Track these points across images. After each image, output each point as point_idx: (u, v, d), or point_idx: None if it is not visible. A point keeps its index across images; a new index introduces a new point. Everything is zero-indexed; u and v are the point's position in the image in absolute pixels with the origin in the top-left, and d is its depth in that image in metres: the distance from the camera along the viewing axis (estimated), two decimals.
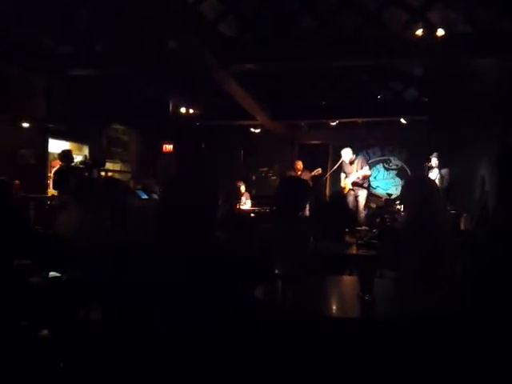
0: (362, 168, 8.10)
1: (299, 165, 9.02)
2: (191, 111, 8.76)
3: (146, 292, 1.71)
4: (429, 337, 1.62)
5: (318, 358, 1.93)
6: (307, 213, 4.89)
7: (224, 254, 1.89)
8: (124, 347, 1.67)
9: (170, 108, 8.70)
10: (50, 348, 2.60)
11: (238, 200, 8.30)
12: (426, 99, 8.44)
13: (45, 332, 2.73)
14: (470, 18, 4.86)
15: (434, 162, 7.85)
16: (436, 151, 7.96)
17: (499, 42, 4.78)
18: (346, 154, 8.22)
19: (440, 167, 7.85)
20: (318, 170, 8.93)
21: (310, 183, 8.75)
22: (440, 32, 4.97)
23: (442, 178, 7.70)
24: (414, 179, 3.54)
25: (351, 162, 8.19)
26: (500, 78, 6.16)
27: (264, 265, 2.06)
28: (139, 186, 8.10)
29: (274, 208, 3.05)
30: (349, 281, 2.69)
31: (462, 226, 6.29)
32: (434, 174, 7.64)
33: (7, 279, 2.48)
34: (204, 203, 1.82)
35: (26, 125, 6.79)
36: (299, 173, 8.78)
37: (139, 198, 7.18)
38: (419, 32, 5.15)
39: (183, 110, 8.66)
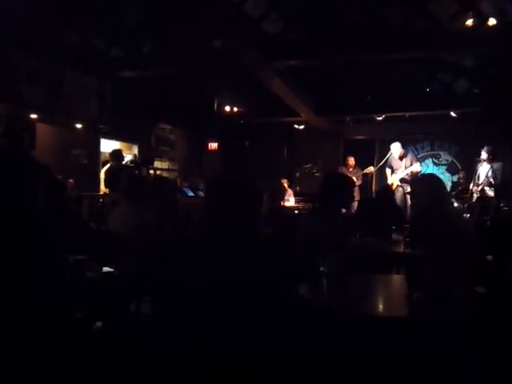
0: (411, 164, 7.84)
1: (351, 161, 8.77)
2: (235, 109, 8.85)
3: (195, 289, 1.75)
4: (476, 339, 1.58)
5: (364, 357, 1.91)
6: (354, 209, 4.84)
7: (270, 251, 1.91)
8: (172, 343, 1.73)
9: (215, 107, 8.83)
10: (103, 338, 2.73)
11: (282, 197, 8.30)
12: (478, 91, 8.11)
13: (98, 324, 2.86)
14: None
15: (485, 155, 7.42)
16: (487, 145, 7.56)
17: None
18: (396, 148, 7.96)
19: (492, 161, 7.43)
20: (370, 169, 8.65)
21: (361, 181, 8.60)
22: (492, 21, 4.78)
23: (494, 172, 7.31)
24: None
25: (401, 158, 7.93)
26: None
27: (309, 262, 2.07)
28: (186, 184, 8.28)
29: (317, 205, 3.04)
30: (396, 279, 2.65)
31: None
32: (485, 169, 7.27)
33: (65, 273, 2.61)
34: (249, 202, 1.85)
35: (78, 126, 7.09)
36: (351, 169, 8.59)
37: (186, 195, 7.33)
38: (469, 22, 4.97)
39: (228, 108, 8.77)
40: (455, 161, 9.84)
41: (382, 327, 1.88)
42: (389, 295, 2.39)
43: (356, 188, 8.44)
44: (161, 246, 2.79)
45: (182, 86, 7.95)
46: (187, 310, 1.75)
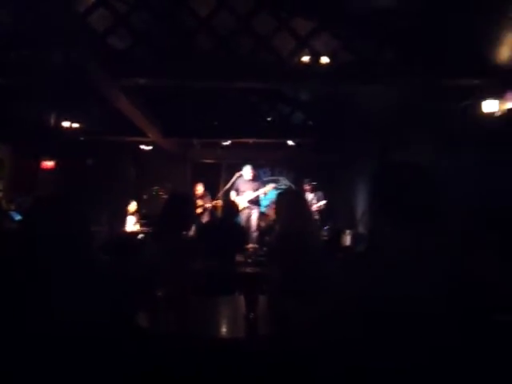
0: (259, 188, 8.23)
1: (198, 189, 8.58)
2: (76, 125, 8.24)
3: (28, 325, 1.53)
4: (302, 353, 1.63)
5: (205, 380, 1.86)
6: (194, 232, 4.81)
7: (101, 278, 1.76)
8: None
9: (52, 122, 8.10)
10: None
11: (124, 221, 7.94)
12: (311, 123, 8.92)
13: None
14: (351, 47, 5.22)
15: (306, 187, 8.44)
16: (314, 174, 8.52)
17: (379, 70, 5.19)
18: (247, 171, 8.25)
19: (312, 191, 8.42)
20: (218, 202, 8.56)
21: (208, 208, 8.63)
22: (325, 60, 5.27)
23: (317, 200, 8.28)
24: (285, 193, 3.67)
25: (251, 180, 8.24)
26: (381, 104, 6.69)
27: (145, 287, 1.95)
28: (12, 206, 7.38)
29: (157, 227, 2.92)
30: (236, 300, 2.66)
31: (343, 243, 6.71)
32: (309, 198, 8.15)
33: None
34: (78, 227, 1.67)
35: None
36: (198, 197, 8.41)
37: (12, 219, 6.52)
38: (306, 59, 5.42)
39: (67, 124, 8.11)
40: (293, 186, 10.63)
41: (222, 349, 1.85)
42: (226, 316, 2.38)
43: (206, 212, 8.49)
44: None
45: (13, 97, 7.14)
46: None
